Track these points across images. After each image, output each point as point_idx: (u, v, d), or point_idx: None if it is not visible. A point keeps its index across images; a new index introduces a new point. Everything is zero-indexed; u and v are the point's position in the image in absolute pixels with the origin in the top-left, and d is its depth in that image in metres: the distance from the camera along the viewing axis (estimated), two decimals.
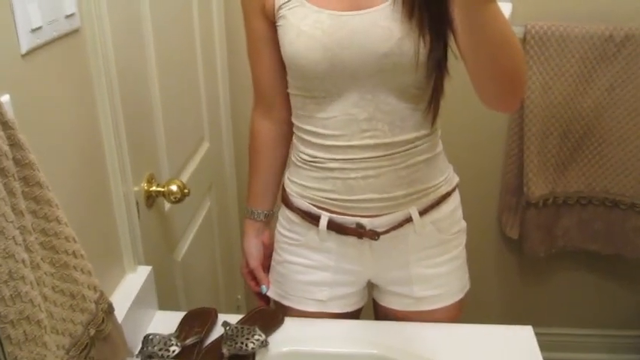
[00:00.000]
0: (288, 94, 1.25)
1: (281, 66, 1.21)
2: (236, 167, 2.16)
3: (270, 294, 1.39)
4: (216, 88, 1.96)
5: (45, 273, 0.78)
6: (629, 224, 2.14)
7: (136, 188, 1.27)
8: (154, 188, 1.34)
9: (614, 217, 2.15)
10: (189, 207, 1.64)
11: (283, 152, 1.37)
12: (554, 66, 1.98)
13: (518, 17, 1.94)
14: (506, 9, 1.97)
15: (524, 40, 1.97)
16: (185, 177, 1.62)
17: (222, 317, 1.27)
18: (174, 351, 1.13)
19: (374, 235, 1.23)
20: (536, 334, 1.23)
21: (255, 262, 1.41)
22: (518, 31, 1.96)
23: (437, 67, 1.12)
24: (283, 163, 1.39)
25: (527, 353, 1.19)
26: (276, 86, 1.27)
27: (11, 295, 0.67)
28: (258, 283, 1.42)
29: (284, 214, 1.33)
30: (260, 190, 1.39)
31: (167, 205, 1.46)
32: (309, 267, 1.31)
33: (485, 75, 0.99)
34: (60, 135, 0.98)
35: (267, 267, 1.42)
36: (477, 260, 1.45)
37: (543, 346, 1.20)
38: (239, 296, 2.28)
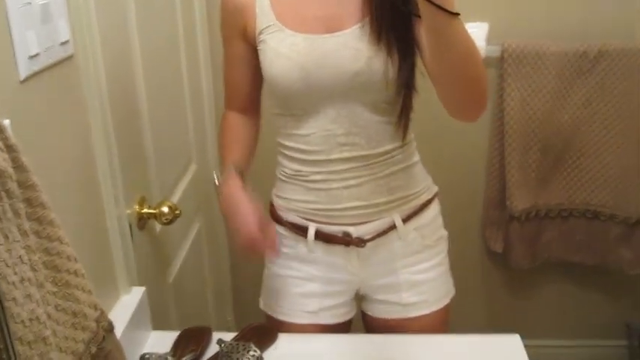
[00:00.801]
0: (260, 102, 1.34)
1: (256, 79, 1.29)
2: None
3: (261, 307, 1.42)
4: (202, 111, 1.99)
5: (48, 292, 0.80)
6: (610, 235, 2.18)
7: (128, 210, 1.29)
8: (145, 210, 1.37)
9: (596, 228, 2.19)
10: (180, 228, 1.66)
11: (255, 136, 1.37)
12: (532, 82, 2.04)
13: (495, 36, 1.99)
14: (483, 29, 2.03)
15: (501, 58, 2.02)
16: (175, 199, 1.64)
17: (215, 335, 1.28)
18: None
19: (360, 242, 1.28)
20: (524, 345, 1.26)
21: (245, 203, 1.18)
22: (495, 49, 2.01)
23: (405, 83, 1.19)
24: (254, 144, 1.36)
25: None
26: (251, 96, 1.34)
27: (20, 312, 0.69)
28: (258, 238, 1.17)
29: None
30: (232, 153, 1.30)
31: (158, 227, 1.48)
32: (298, 279, 1.35)
33: (450, 87, 1.06)
34: (56, 158, 1.00)
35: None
36: (463, 274, 1.49)
37: (530, 358, 1.23)
38: (229, 318, 2.29)
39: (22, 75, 0.88)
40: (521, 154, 2.10)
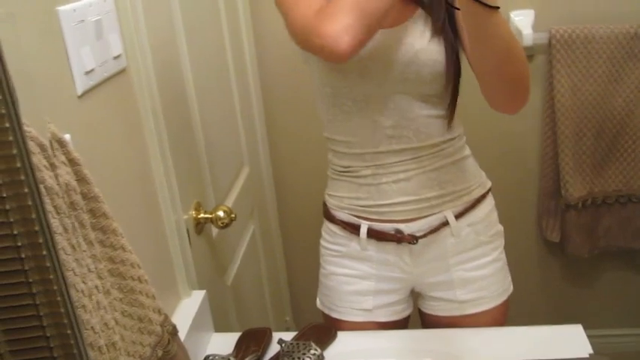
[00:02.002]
0: None
1: None
2: (276, 189, 2.21)
3: (319, 306, 1.44)
4: (252, 114, 2.02)
5: (115, 298, 0.83)
6: None
7: (185, 216, 1.32)
8: (202, 215, 1.39)
9: None
10: (235, 232, 1.69)
11: None
12: (582, 68, 2.00)
13: (541, 23, 1.96)
14: (529, 16, 2.00)
15: (549, 44, 1.99)
16: (229, 203, 1.67)
17: (275, 335, 1.31)
18: None
19: (412, 239, 1.27)
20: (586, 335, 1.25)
21: None
22: (542, 36, 1.98)
23: (453, 76, 1.19)
24: None
25: (579, 351, 1.21)
26: None
27: (96, 322, 0.72)
28: None
29: (326, 228, 1.38)
30: None
31: (215, 231, 1.51)
32: (353, 277, 1.36)
33: (491, 81, 1.07)
34: (114, 169, 1.03)
35: None
36: (520, 266, 1.47)
37: (594, 348, 1.21)
38: (287, 318, 2.32)
39: (80, 90, 0.91)
40: (574, 142, 2.07)
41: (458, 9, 0.96)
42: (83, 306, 0.71)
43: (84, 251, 0.73)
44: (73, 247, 0.70)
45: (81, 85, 0.91)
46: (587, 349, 1.20)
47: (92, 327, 0.72)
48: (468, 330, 1.31)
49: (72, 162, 0.76)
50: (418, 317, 1.46)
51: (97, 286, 0.74)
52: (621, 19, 1.97)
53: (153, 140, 1.17)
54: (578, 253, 2.21)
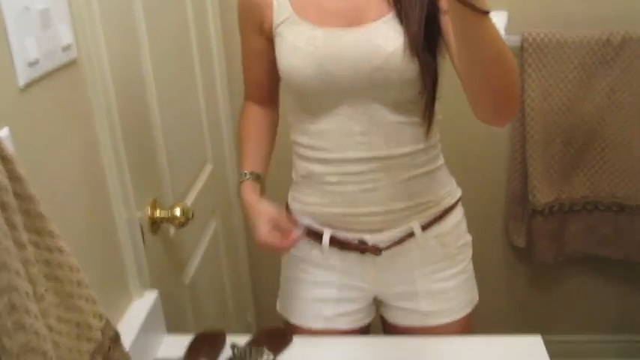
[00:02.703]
0: (278, 94, 1.32)
1: (274, 73, 1.23)
2: None
3: (279, 310, 1.40)
4: (217, 110, 1.98)
5: (50, 304, 0.78)
6: (636, 227, 2.13)
7: (139, 214, 1.27)
8: (157, 214, 1.35)
9: (622, 221, 2.14)
10: (195, 230, 1.65)
11: (273, 129, 1.37)
12: (553, 72, 1.99)
13: (514, 26, 1.94)
14: (502, 18, 1.99)
15: (521, 48, 1.98)
16: (189, 200, 1.63)
17: (231, 337, 1.27)
18: None
19: (376, 250, 1.24)
20: (548, 341, 1.23)
21: (266, 209, 1.22)
22: (515, 39, 1.96)
23: (429, 82, 1.13)
24: (273, 137, 1.37)
25: None
26: (270, 89, 1.32)
27: (15, 327, 0.68)
28: (277, 238, 1.22)
29: None
30: (252, 156, 1.31)
31: (172, 229, 1.47)
32: (314, 283, 1.32)
33: (479, 90, 1.00)
34: (61, 165, 0.99)
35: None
36: (485, 270, 1.45)
37: (555, 354, 1.20)
38: (250, 319, 2.28)
39: (22, 82, 0.87)
40: (543, 147, 2.05)
41: (438, 11, 0.91)
42: (8, 314, 0.67)
43: (13, 255, 0.69)
44: None
45: (23, 76, 0.87)
46: None
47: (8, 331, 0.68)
48: (427, 338, 1.29)
49: (5, 160, 0.72)
50: (379, 324, 1.43)
51: (27, 292, 0.70)
52: (594, 25, 1.96)
53: (105, 135, 1.12)
54: (543, 259, 2.21)
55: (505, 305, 2.39)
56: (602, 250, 2.20)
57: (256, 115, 1.35)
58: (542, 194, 2.09)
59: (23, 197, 0.74)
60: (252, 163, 1.30)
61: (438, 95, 1.18)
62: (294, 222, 1.27)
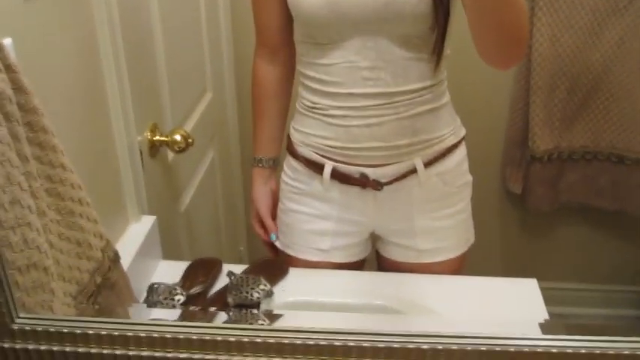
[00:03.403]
0: (292, 38, 1.25)
1: (287, 12, 1.20)
2: (239, 118, 2.14)
3: (274, 241, 1.40)
4: (219, 39, 1.93)
5: (51, 220, 0.77)
6: (634, 180, 2.12)
7: (139, 137, 1.25)
8: (157, 138, 1.33)
9: (620, 172, 2.13)
10: (193, 158, 1.63)
11: (287, 97, 1.37)
12: (564, 18, 1.94)
13: None
14: None
15: None
16: (188, 127, 1.60)
17: (226, 267, 1.27)
18: (179, 300, 1.13)
19: (377, 185, 1.22)
20: (540, 288, 1.23)
21: (264, 209, 1.41)
22: None
23: (440, 17, 1.10)
24: (287, 109, 1.38)
25: (532, 305, 1.20)
26: (282, 31, 1.26)
27: (18, 241, 0.66)
28: (267, 232, 1.42)
29: (288, 163, 1.33)
30: (266, 136, 1.38)
31: (170, 155, 1.45)
32: (312, 216, 1.31)
33: (486, 31, 0.99)
34: (62, 82, 0.96)
35: (275, 215, 1.42)
36: (480, 214, 1.44)
37: (546, 300, 1.20)
38: (241, 248, 2.29)
39: None
40: (547, 93, 2.03)
41: None
42: (12, 227, 0.65)
43: (16, 167, 0.67)
44: (1, 162, 0.64)
45: None
46: (540, 305, 1.19)
47: (21, 250, 0.67)
48: (422, 276, 1.29)
49: (8, 68, 0.69)
50: (374, 260, 1.43)
51: (29, 206, 0.69)
52: None
53: (107, 54, 1.09)
54: (538, 207, 2.21)
55: (497, 251, 2.40)
56: (598, 201, 2.20)
57: (268, 82, 1.33)
58: (542, 141, 2.08)
59: (27, 109, 0.72)
60: (266, 146, 1.39)
61: (448, 30, 1.15)
62: (294, 152, 1.30)
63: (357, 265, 1.38)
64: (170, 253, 1.38)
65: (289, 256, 1.36)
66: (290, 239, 1.35)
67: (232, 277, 1.18)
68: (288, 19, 1.22)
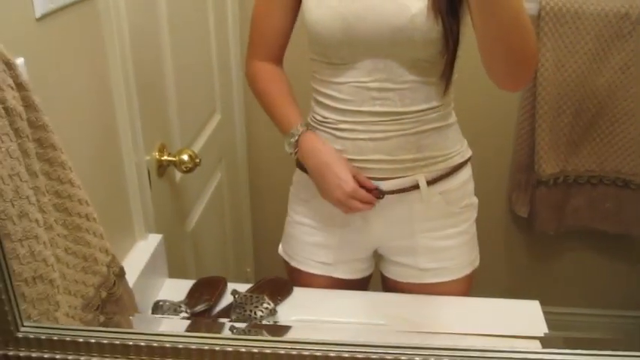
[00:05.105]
0: (285, 50, 1.29)
1: (291, 27, 1.25)
2: (247, 140, 2.17)
3: (280, 252, 1.41)
4: (229, 60, 1.96)
5: (58, 235, 0.79)
6: (639, 204, 2.13)
7: (147, 157, 1.27)
8: (165, 157, 1.35)
9: (625, 197, 2.14)
10: (200, 178, 1.65)
11: (288, 83, 1.32)
12: (569, 43, 1.97)
13: None
14: None
15: (538, 16, 1.95)
16: (196, 148, 1.62)
17: (231, 286, 1.28)
18: (183, 317, 1.14)
19: (379, 192, 1.23)
20: (543, 312, 1.23)
21: (348, 163, 1.23)
22: (532, 7, 1.93)
23: (450, 43, 1.13)
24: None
25: (533, 326, 1.20)
26: (283, 44, 1.29)
27: (25, 253, 0.68)
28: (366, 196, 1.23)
29: (297, 176, 1.35)
30: (292, 109, 1.28)
31: (178, 176, 1.47)
32: (316, 228, 1.33)
33: (495, 53, 1.02)
34: (72, 101, 0.98)
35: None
36: (486, 238, 1.45)
37: (550, 325, 1.20)
38: (248, 269, 2.30)
39: (38, 13, 0.86)
40: (552, 117, 2.04)
41: None
42: (19, 240, 0.67)
43: (25, 182, 0.69)
44: (10, 176, 0.66)
45: (40, 7, 0.86)
46: (542, 326, 1.20)
47: (28, 262, 0.69)
48: (426, 297, 1.30)
49: (20, 87, 0.72)
50: (379, 283, 1.44)
51: (37, 220, 0.71)
52: None
53: (117, 74, 1.11)
54: (544, 230, 2.21)
55: (502, 274, 2.40)
56: (604, 225, 2.20)
57: (274, 72, 1.31)
58: (548, 165, 2.09)
59: (37, 125, 0.74)
60: (298, 116, 1.26)
61: (457, 55, 1.17)
62: (301, 166, 1.29)
63: (362, 284, 1.39)
64: (176, 272, 1.39)
65: (294, 268, 1.37)
66: (294, 251, 1.37)
67: (236, 296, 1.20)
68: (288, 30, 1.26)
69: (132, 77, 1.16)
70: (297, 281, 1.35)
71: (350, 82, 1.18)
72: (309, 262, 1.35)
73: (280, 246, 1.43)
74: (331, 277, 1.35)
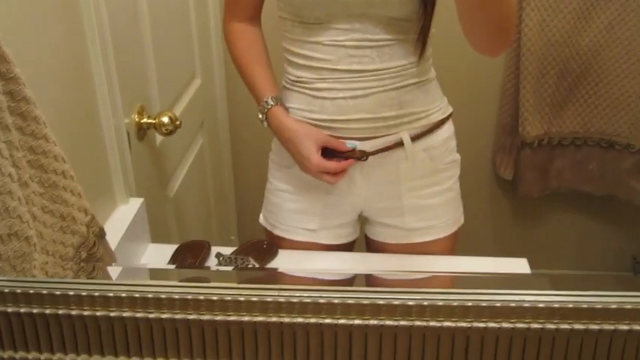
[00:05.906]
0: (261, 9, 1.26)
1: None
2: (228, 105, 2.14)
3: (261, 222, 1.38)
4: (208, 24, 1.92)
5: (33, 192, 0.76)
6: (623, 165, 2.13)
7: (126, 120, 1.24)
8: (145, 120, 1.32)
9: (609, 158, 2.14)
10: (181, 143, 1.62)
11: (267, 50, 1.30)
12: (552, 2, 1.94)
13: None
14: None
15: None
16: (177, 113, 1.59)
17: (215, 249, 1.26)
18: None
19: (362, 154, 1.21)
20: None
21: (314, 132, 1.21)
22: None
23: (427, 1, 1.11)
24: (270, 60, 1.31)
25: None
26: (256, 4, 1.26)
27: (9, 214, 0.66)
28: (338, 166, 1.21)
29: (276, 141, 1.31)
30: (266, 78, 1.26)
31: (159, 139, 1.44)
32: (298, 195, 1.30)
33: (474, 23, 1.01)
34: (45, 59, 0.95)
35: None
36: (470, 201, 1.44)
37: None
38: (232, 237, 2.28)
39: None
40: (537, 78, 2.03)
41: None
42: None
43: None
44: None
45: None
46: None
47: (2, 218, 0.66)
48: (412, 256, 1.29)
49: None
50: (363, 244, 1.42)
51: (10, 174, 0.68)
52: None
53: (94, 35, 1.08)
54: (529, 193, 2.21)
55: (488, 237, 2.41)
56: (587, 186, 2.20)
57: (252, 35, 1.28)
58: (533, 127, 2.08)
59: (7, 77, 0.71)
60: (271, 87, 1.25)
61: (435, 12, 1.15)
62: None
63: (346, 248, 1.37)
64: (159, 238, 1.37)
65: (277, 237, 1.34)
66: (277, 219, 1.34)
67: (220, 258, 1.18)
68: None
69: (108, 36, 1.13)
70: (280, 248, 1.33)
71: (324, 42, 1.15)
72: (292, 230, 1.33)
73: (261, 215, 1.39)
74: (316, 243, 1.33)
